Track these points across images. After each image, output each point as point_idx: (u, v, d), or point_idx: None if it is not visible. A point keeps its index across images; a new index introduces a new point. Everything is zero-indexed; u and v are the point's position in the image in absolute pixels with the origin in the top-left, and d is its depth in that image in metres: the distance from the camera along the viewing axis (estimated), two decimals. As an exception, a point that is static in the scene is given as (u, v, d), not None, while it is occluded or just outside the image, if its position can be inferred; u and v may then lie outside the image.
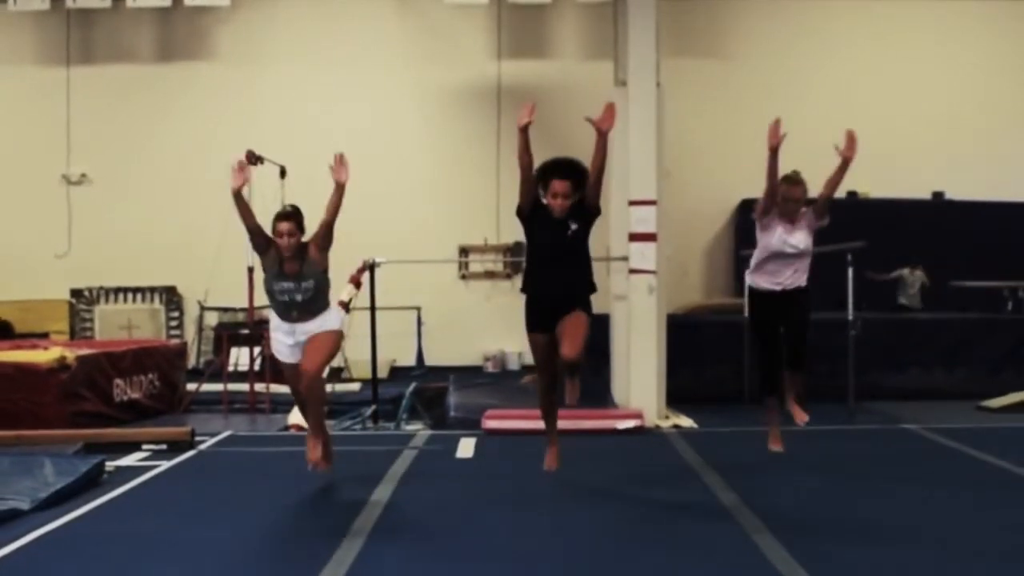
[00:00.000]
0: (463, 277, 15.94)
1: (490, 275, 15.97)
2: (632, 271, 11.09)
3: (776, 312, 8.18)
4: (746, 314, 9.60)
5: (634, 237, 11.10)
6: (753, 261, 8.46)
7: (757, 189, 15.09)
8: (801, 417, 8.11)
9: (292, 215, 7.36)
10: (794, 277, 8.23)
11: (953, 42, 15.78)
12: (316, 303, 7.33)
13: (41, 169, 15.71)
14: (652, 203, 11.09)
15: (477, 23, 15.62)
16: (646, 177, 11.09)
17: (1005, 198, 14.97)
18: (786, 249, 8.20)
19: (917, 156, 15.35)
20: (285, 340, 7.44)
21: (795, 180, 8.40)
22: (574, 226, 7.13)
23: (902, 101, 15.51)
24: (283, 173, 12.89)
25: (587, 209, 7.17)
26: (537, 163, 7.10)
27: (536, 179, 7.13)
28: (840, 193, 15.08)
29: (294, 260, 7.25)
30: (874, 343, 12.08)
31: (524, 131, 6.94)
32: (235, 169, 7.58)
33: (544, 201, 7.16)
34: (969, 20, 15.83)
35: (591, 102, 13.99)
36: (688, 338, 12.24)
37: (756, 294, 8.37)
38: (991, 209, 15.01)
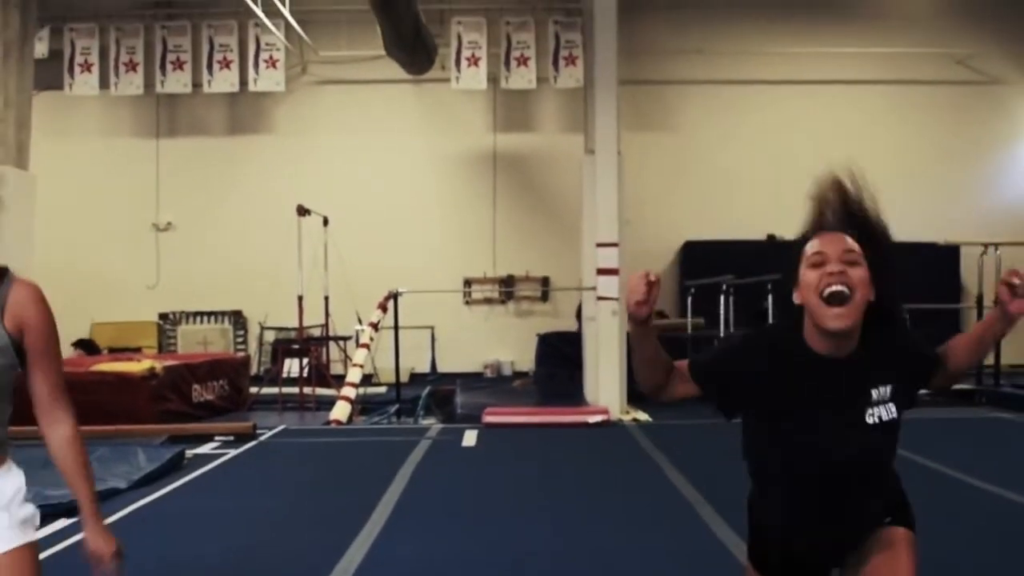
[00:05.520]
0: (467, 303, 15.91)
1: (488, 301, 15.95)
2: (600, 298, 11.10)
3: None
4: None
5: (601, 272, 11.12)
6: None
7: (696, 233, 15.35)
8: None
9: None
10: None
11: (853, 117, 15.83)
12: None
13: (136, 218, 15.71)
14: (615, 245, 11.11)
15: (477, 104, 15.65)
16: (610, 224, 11.12)
17: (899, 238, 14.98)
18: None
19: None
20: None
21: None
22: (887, 398, 2.44)
23: (812, 162, 15.51)
24: (326, 222, 12.89)
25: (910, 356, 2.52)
26: None
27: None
28: (760, 236, 15.32)
29: None
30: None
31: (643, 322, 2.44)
32: None
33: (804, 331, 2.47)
34: (862, 99, 15.92)
35: (566, 165, 14.15)
36: (643, 350, 12.20)
37: None
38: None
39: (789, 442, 2.45)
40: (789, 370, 2.41)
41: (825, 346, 2.39)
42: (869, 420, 2.41)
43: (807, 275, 2.39)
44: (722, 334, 11.77)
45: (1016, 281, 2.38)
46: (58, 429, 2.43)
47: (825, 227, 2.50)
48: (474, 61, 14.38)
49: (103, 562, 2.45)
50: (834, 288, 2.33)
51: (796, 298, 2.43)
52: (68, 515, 5.89)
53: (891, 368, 2.44)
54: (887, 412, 2.44)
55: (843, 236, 2.44)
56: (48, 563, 3.23)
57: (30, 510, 2.47)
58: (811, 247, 2.44)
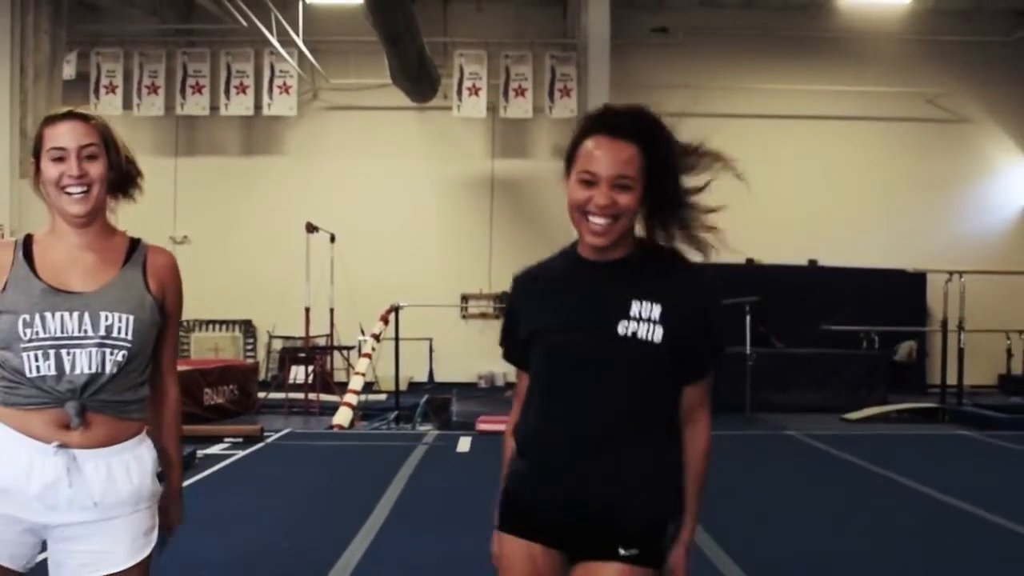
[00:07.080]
0: (464, 317, 15.94)
1: (484, 315, 15.97)
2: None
3: None
4: None
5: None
6: None
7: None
8: None
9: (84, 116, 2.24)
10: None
11: (829, 150, 15.95)
12: (128, 393, 2.23)
13: (154, 232, 15.37)
14: (603, 265, 11.13)
15: (477, 132, 15.73)
16: (599, 246, 11.14)
17: (862, 264, 15.05)
18: None
19: (796, 232, 15.45)
20: (23, 489, 2.09)
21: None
22: (652, 318, 2.09)
23: (789, 192, 15.63)
24: (333, 239, 12.93)
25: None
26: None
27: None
28: (739, 259, 15.37)
29: (93, 252, 2.32)
30: (765, 370, 12.12)
31: None
32: None
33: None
34: (837, 134, 16.03)
35: (559, 190, 14.17)
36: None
37: None
38: (851, 272, 15.08)
39: (549, 347, 2.17)
40: (558, 278, 2.24)
41: (590, 252, 2.19)
42: (620, 330, 2.08)
43: (575, 191, 2.15)
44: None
45: None
46: (169, 393, 2.44)
47: (606, 125, 2.14)
48: (475, 91, 14.47)
49: (171, 530, 2.48)
50: (597, 220, 2.10)
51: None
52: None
53: (666, 295, 2.13)
54: (647, 332, 2.08)
55: (621, 146, 2.11)
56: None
57: (159, 488, 2.36)
58: (584, 156, 2.14)
